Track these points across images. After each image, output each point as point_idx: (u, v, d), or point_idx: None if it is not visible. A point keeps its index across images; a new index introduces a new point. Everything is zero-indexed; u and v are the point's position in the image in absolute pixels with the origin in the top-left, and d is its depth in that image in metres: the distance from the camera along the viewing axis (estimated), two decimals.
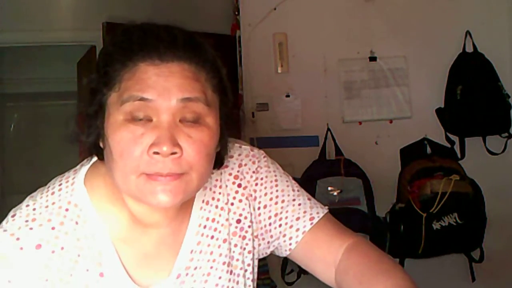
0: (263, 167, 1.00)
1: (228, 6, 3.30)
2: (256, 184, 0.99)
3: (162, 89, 0.81)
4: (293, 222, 0.98)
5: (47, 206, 0.90)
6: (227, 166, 0.98)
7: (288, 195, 1.00)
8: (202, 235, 0.96)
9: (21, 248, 0.85)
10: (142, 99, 0.81)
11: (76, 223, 0.89)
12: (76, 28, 3.90)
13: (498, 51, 2.78)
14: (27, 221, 0.87)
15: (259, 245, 1.00)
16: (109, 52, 0.86)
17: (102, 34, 3.57)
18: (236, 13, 3.00)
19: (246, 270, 0.98)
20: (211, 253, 0.96)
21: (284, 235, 0.98)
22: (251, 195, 0.98)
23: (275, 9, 2.77)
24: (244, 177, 0.99)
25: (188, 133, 0.83)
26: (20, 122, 5.57)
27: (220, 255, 0.96)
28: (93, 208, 0.90)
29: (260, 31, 2.76)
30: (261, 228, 0.99)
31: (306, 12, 2.79)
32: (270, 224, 0.99)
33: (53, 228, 0.88)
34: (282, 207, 0.98)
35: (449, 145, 2.76)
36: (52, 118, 5.40)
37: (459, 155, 2.75)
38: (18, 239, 0.86)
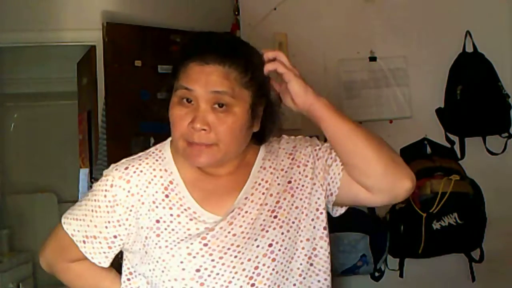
0: (318, 145, 1.35)
1: (228, 6, 3.30)
2: (317, 155, 1.33)
3: (201, 83, 1.18)
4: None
5: (147, 150, 1.33)
6: (284, 149, 1.36)
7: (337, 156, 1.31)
8: (256, 189, 1.29)
9: (116, 169, 1.28)
10: (187, 88, 1.19)
11: (157, 160, 1.30)
12: (76, 28, 3.89)
13: (498, 51, 2.78)
14: (133, 158, 1.31)
15: (327, 190, 1.30)
16: (177, 53, 1.27)
17: (102, 34, 3.57)
18: (236, 13, 3.00)
19: (293, 222, 1.27)
20: (261, 204, 1.27)
21: (336, 161, 1.30)
22: (308, 161, 1.32)
23: (275, 9, 2.77)
24: (301, 152, 1.33)
25: (216, 117, 1.19)
26: (20, 122, 5.56)
27: (267, 204, 1.27)
28: (171, 155, 1.30)
29: (260, 31, 2.76)
30: (324, 178, 1.30)
31: (306, 12, 2.79)
32: (327, 172, 1.31)
33: (139, 159, 1.30)
34: (336, 160, 1.31)
35: (449, 145, 2.75)
36: (52, 118, 5.41)
37: (459, 155, 2.74)
38: (121, 163, 1.30)
